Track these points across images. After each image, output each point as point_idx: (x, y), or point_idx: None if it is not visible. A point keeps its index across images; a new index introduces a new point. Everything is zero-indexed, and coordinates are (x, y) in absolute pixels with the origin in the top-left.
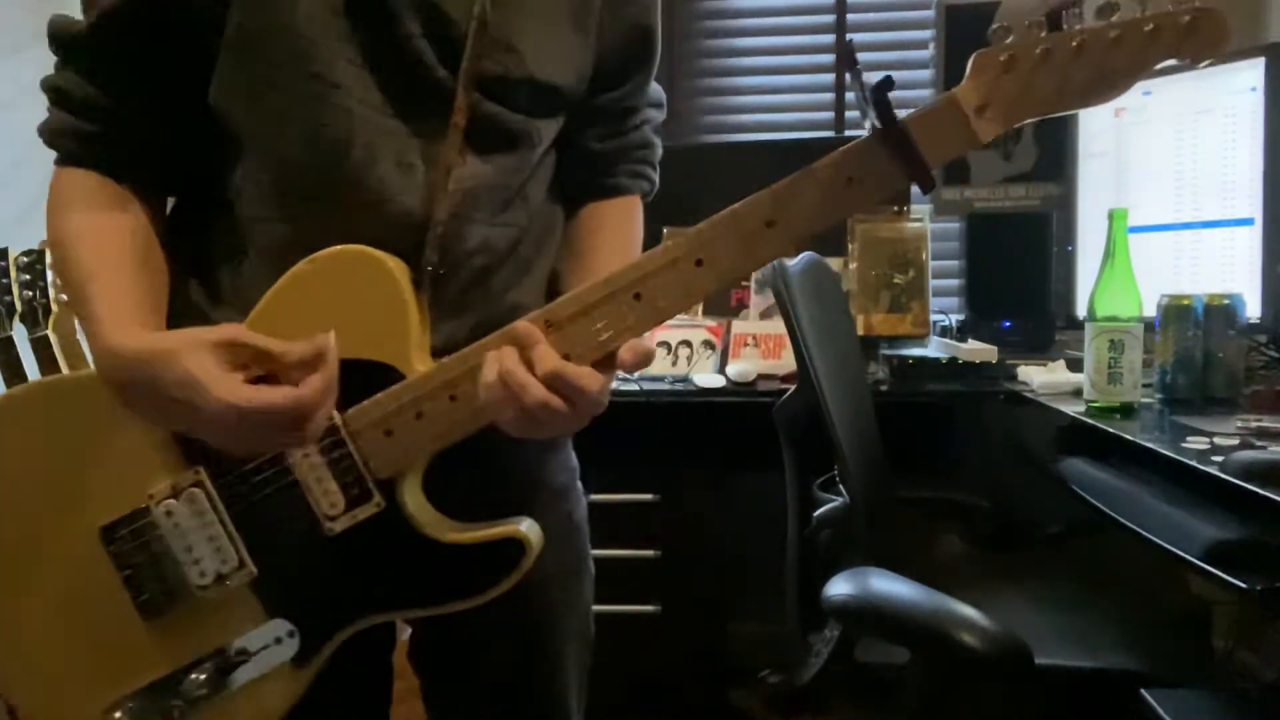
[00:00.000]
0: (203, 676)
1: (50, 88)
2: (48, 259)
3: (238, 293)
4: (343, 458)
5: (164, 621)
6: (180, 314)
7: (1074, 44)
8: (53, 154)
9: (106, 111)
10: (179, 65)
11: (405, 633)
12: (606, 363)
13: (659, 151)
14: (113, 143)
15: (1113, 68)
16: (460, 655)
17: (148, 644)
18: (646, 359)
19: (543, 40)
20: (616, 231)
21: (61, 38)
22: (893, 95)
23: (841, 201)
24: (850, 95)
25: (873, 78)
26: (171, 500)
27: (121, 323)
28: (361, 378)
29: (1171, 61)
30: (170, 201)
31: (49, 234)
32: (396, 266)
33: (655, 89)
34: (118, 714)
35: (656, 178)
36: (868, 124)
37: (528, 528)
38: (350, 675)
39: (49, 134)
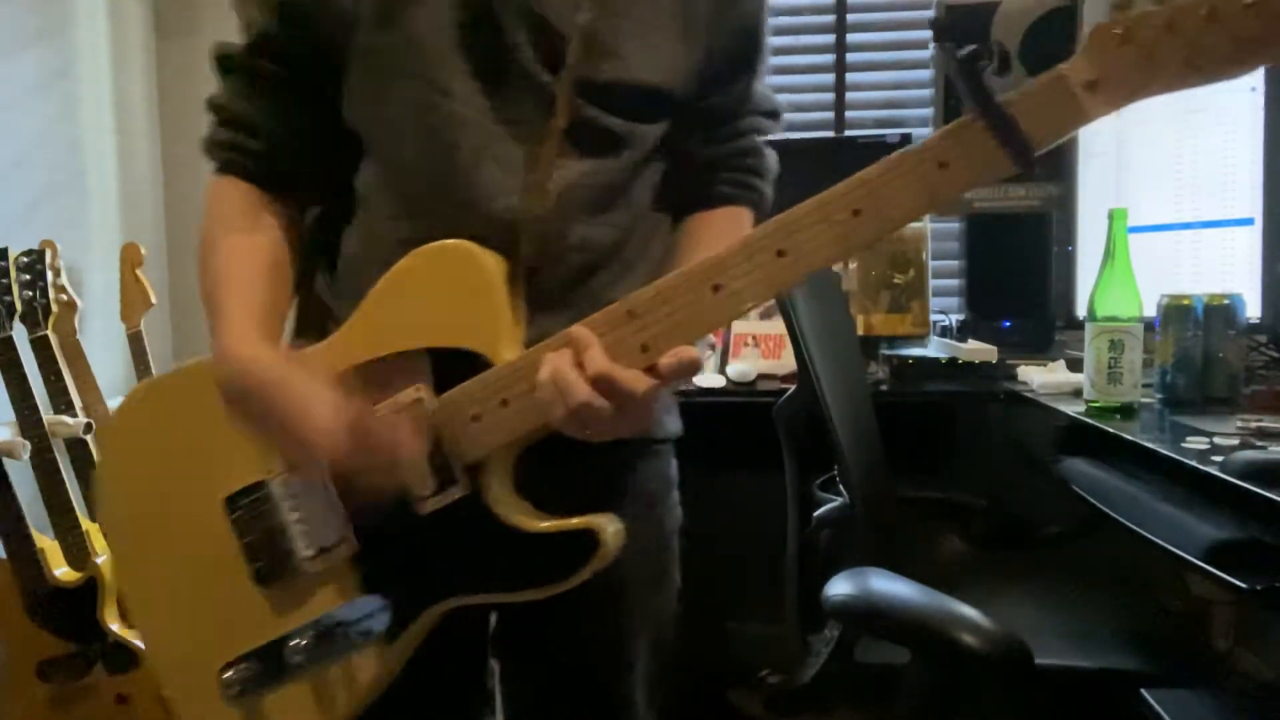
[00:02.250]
0: (303, 643)
1: (211, 104)
2: (48, 259)
3: (355, 282)
4: (431, 440)
5: (274, 589)
6: (305, 304)
7: (1203, 11)
8: (53, 154)
9: (261, 126)
10: (322, 83)
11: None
12: (654, 369)
13: (771, 163)
14: (261, 155)
15: (1247, 35)
16: (536, 645)
17: (259, 610)
18: (690, 368)
19: (645, 44)
20: (717, 243)
21: (221, 58)
22: (891, 95)
23: (935, 187)
24: (849, 95)
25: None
26: (288, 474)
27: (246, 331)
28: (454, 365)
29: None
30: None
31: (203, 237)
32: (492, 260)
33: (768, 97)
34: (229, 674)
35: (768, 190)
36: (964, 105)
37: (607, 522)
38: (447, 657)
39: (208, 146)
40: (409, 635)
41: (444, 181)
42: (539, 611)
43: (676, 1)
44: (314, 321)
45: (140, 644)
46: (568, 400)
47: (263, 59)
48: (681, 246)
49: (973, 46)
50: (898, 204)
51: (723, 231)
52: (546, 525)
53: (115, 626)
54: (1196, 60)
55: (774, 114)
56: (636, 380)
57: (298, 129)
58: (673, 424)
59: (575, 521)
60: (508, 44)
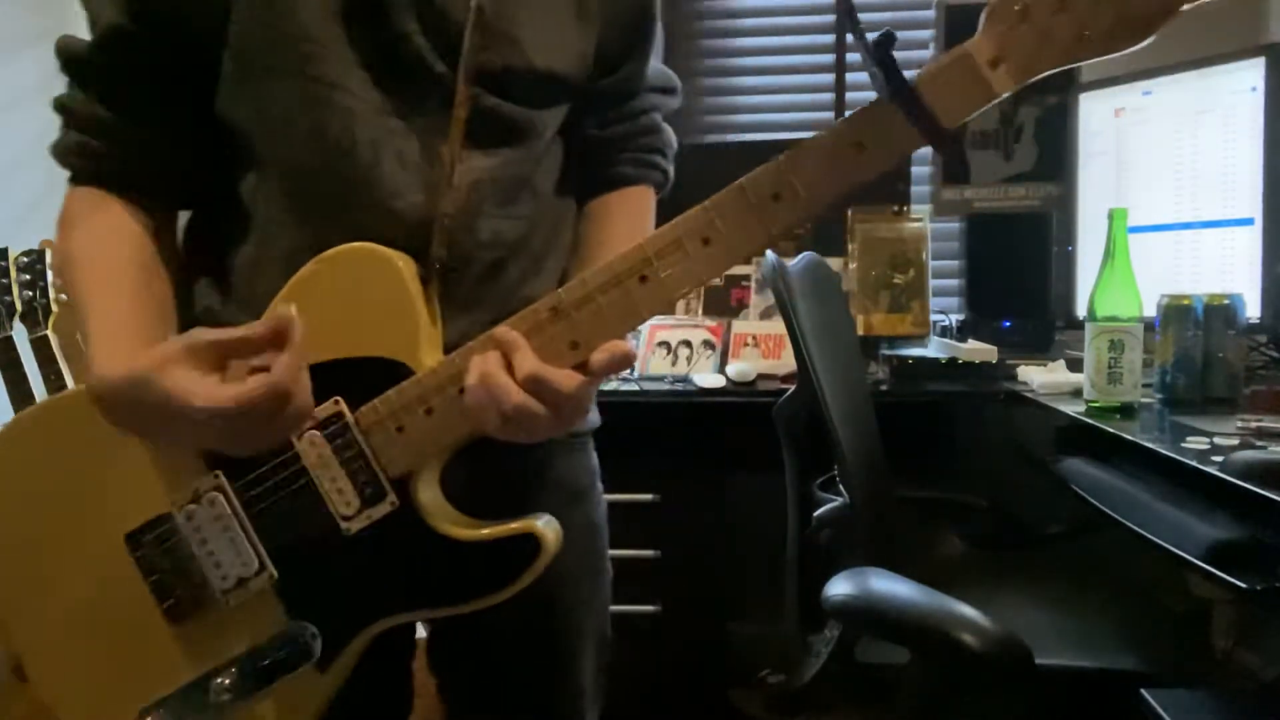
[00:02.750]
0: (228, 681)
1: (59, 107)
2: (48, 259)
3: (251, 294)
4: (355, 456)
5: (190, 626)
6: (193, 318)
7: None
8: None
9: (114, 129)
10: (185, 79)
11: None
12: (585, 365)
13: (669, 139)
14: (121, 159)
15: (1135, 12)
16: (477, 653)
17: (175, 649)
18: (623, 361)
19: (542, 28)
20: (622, 225)
21: (68, 57)
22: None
23: (852, 168)
24: (849, 95)
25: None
26: (192, 505)
27: (111, 351)
28: (372, 375)
29: (1199, 1)
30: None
31: (56, 253)
32: (403, 263)
33: (663, 73)
34: (149, 719)
35: (669, 167)
36: (875, 86)
37: (545, 524)
38: (371, 682)
39: (60, 153)
40: (342, 661)
41: (341, 182)
42: (477, 617)
43: None
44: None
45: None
46: (501, 405)
47: (114, 56)
48: (589, 232)
49: (884, 30)
50: (817, 187)
51: (629, 213)
52: (484, 533)
53: None
54: (1089, 34)
55: (670, 90)
56: (569, 379)
57: (158, 129)
58: (592, 416)
59: (513, 526)
60: (398, 32)
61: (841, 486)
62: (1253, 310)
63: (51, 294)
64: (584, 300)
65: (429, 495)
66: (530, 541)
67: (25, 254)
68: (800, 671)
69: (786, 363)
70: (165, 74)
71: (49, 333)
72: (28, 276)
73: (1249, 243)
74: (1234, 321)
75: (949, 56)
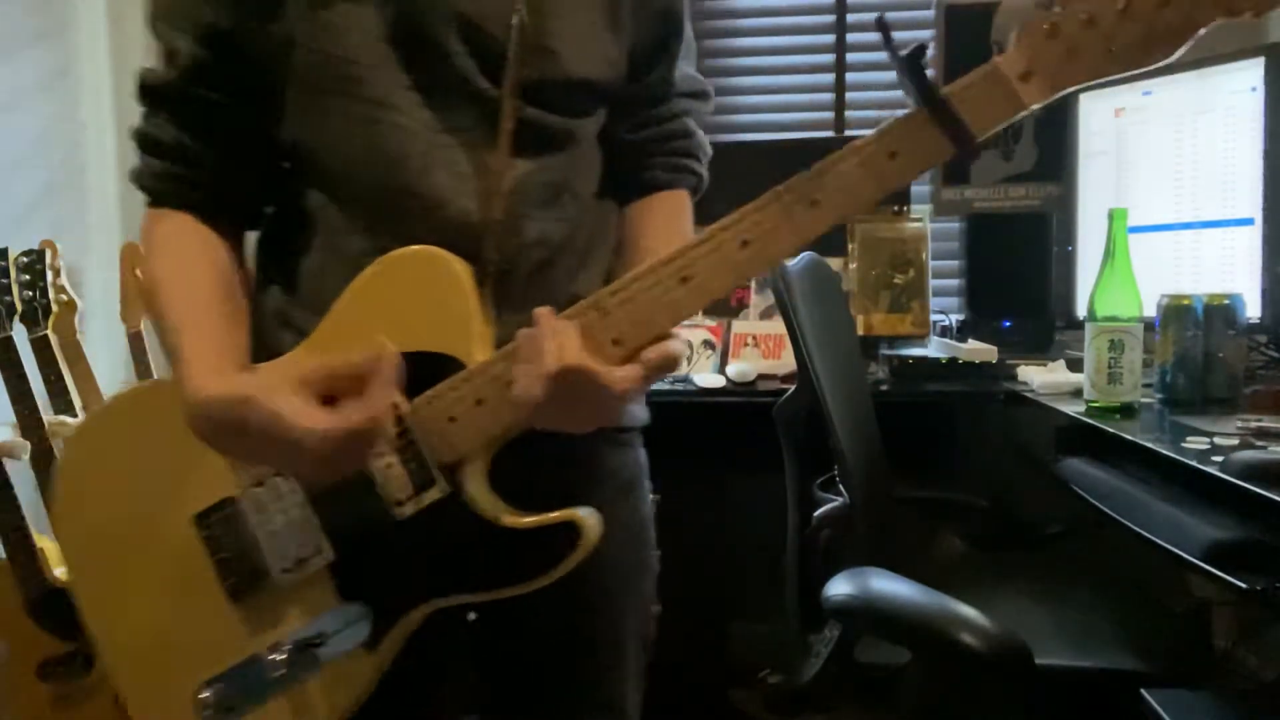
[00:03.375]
0: (282, 657)
1: (138, 134)
2: (48, 259)
3: (318, 297)
4: (409, 444)
5: (249, 605)
6: (263, 323)
7: (1119, 7)
8: (53, 154)
9: (193, 153)
10: (254, 105)
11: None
12: (633, 359)
13: (701, 143)
14: (199, 183)
15: (1162, 28)
16: (520, 642)
17: (235, 627)
18: (671, 362)
19: (578, 39)
20: (661, 227)
21: (149, 87)
22: (891, 95)
23: (886, 176)
24: (849, 95)
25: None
26: (257, 488)
27: (207, 368)
28: (427, 369)
29: (1225, 21)
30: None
31: (144, 277)
32: (459, 264)
33: (693, 78)
34: (206, 694)
35: (703, 171)
36: (909, 97)
37: (586, 514)
38: (422, 664)
39: (139, 178)
40: (390, 640)
41: (396, 194)
42: (521, 608)
43: None
44: (266, 343)
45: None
46: (547, 393)
47: (193, 85)
48: (629, 235)
49: (915, 44)
50: (851, 193)
51: (667, 216)
52: (527, 521)
53: None
54: (1116, 51)
55: (702, 95)
56: (608, 374)
57: (234, 153)
58: (640, 413)
59: (554, 515)
60: (443, 52)
61: (841, 486)
62: (1253, 310)
63: (51, 294)
64: (627, 299)
65: (477, 483)
66: (571, 530)
67: (25, 254)
68: (800, 671)
69: (786, 363)
70: (237, 101)
71: (49, 333)
72: (28, 276)
73: (1249, 243)
74: (1234, 321)
75: (980, 71)
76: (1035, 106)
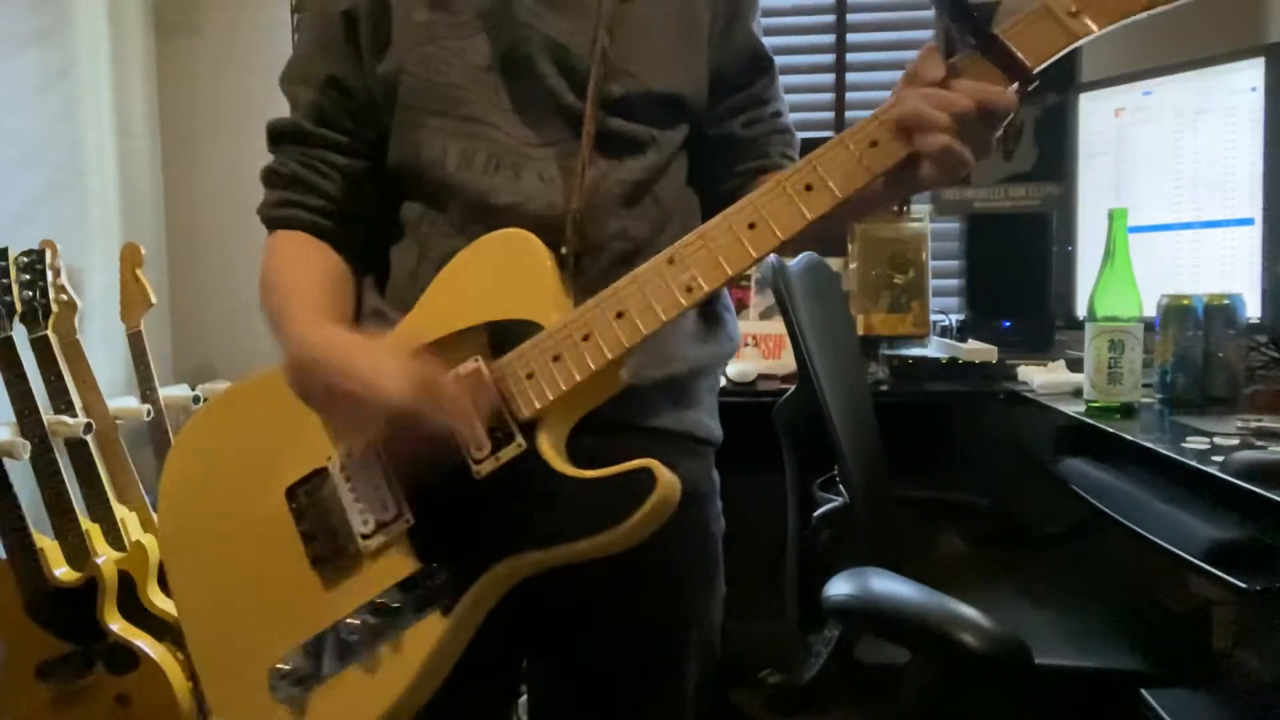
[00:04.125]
0: (360, 622)
1: (264, 172)
2: (48, 259)
3: (410, 296)
4: (488, 404)
5: (330, 571)
6: (361, 323)
7: None
8: (53, 154)
9: (312, 185)
10: (366, 143)
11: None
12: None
13: (798, 143)
14: (317, 210)
15: None
16: (581, 645)
17: (316, 597)
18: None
19: (655, 58)
20: None
21: (274, 130)
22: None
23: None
24: (849, 95)
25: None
26: (345, 458)
27: (309, 325)
28: (511, 335)
29: None
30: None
31: (263, 271)
32: (539, 242)
33: (783, 96)
34: (281, 666)
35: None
36: (957, 42)
37: (667, 469)
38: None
39: (260, 210)
40: (465, 605)
41: (488, 191)
42: (585, 609)
43: (678, 23)
44: (362, 330)
45: (144, 647)
46: (951, 108)
47: (314, 125)
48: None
49: None
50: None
51: None
52: (604, 471)
53: (115, 627)
54: None
55: (787, 109)
56: (995, 89)
57: (351, 183)
58: (716, 429)
59: (631, 464)
60: (536, 74)
61: (841, 486)
62: (1253, 310)
63: (51, 294)
64: (699, 245)
65: (553, 441)
66: (646, 476)
67: (25, 254)
68: (800, 671)
69: (786, 363)
70: (351, 139)
71: (49, 333)
72: (28, 276)
73: (1249, 243)
74: (1234, 321)
75: (1028, 9)
76: (1090, 37)
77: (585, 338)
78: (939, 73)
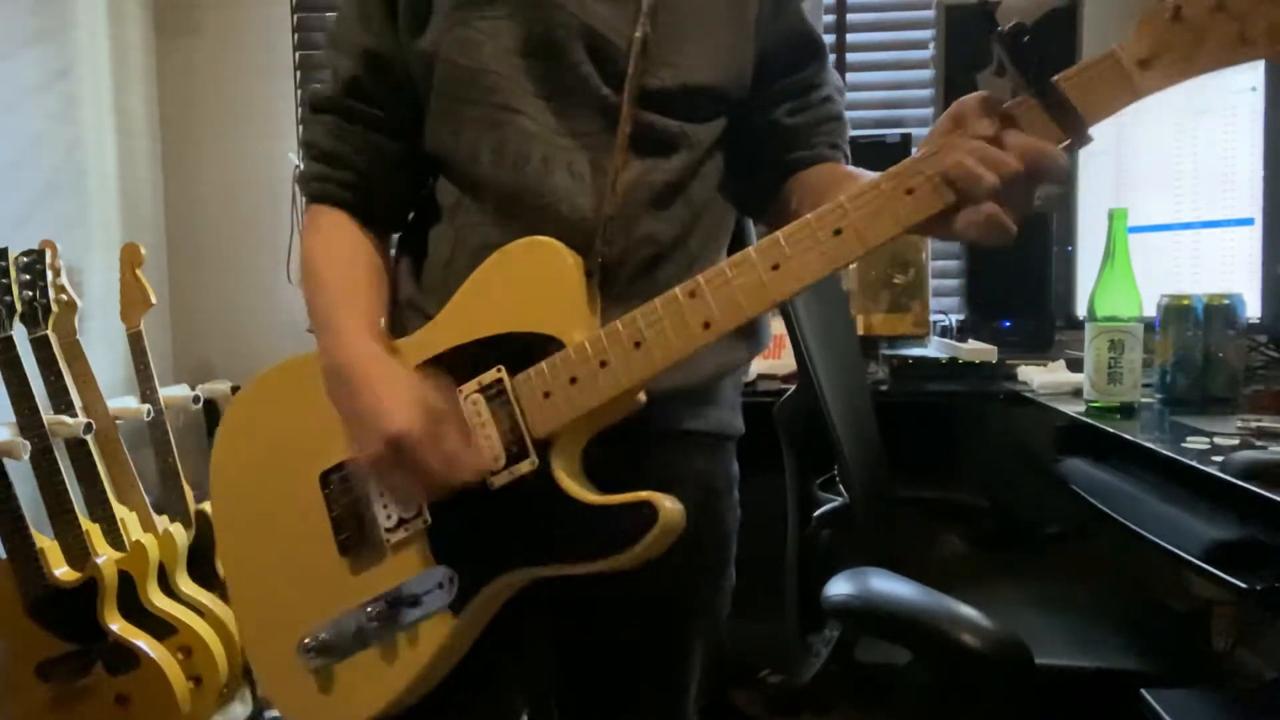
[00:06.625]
0: (377, 611)
1: (303, 142)
2: (48, 259)
3: (444, 285)
4: (507, 416)
5: (355, 559)
6: (395, 309)
7: None
8: (53, 154)
9: (348, 160)
10: (403, 120)
11: None
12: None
13: (849, 130)
14: (351, 185)
15: None
16: (595, 631)
17: (343, 580)
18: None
19: (697, 48)
20: (853, 181)
21: (313, 101)
22: (891, 95)
23: None
24: (849, 95)
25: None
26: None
27: (360, 329)
28: (532, 348)
29: None
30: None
31: (304, 253)
32: (570, 255)
33: (837, 78)
34: (310, 640)
35: (849, 155)
36: (1013, 84)
37: (668, 499)
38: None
39: (303, 180)
40: (473, 607)
41: (519, 192)
42: (597, 603)
43: (725, 8)
44: (395, 325)
45: (144, 647)
46: (1002, 169)
47: (351, 99)
48: (811, 194)
49: (1015, 23)
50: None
51: (835, 176)
52: (608, 499)
53: (115, 627)
54: (1250, 34)
55: (842, 91)
56: (1044, 145)
57: (384, 159)
58: (738, 422)
59: (636, 495)
60: (569, 62)
61: (841, 486)
62: (1253, 310)
63: (51, 294)
64: (721, 282)
65: (565, 461)
66: (649, 509)
67: (25, 254)
68: (800, 671)
69: (786, 363)
70: (387, 114)
71: (49, 333)
72: (28, 276)
73: (1249, 243)
74: (1234, 321)
75: (1095, 57)
76: (1149, 95)
77: (603, 364)
78: (992, 130)
